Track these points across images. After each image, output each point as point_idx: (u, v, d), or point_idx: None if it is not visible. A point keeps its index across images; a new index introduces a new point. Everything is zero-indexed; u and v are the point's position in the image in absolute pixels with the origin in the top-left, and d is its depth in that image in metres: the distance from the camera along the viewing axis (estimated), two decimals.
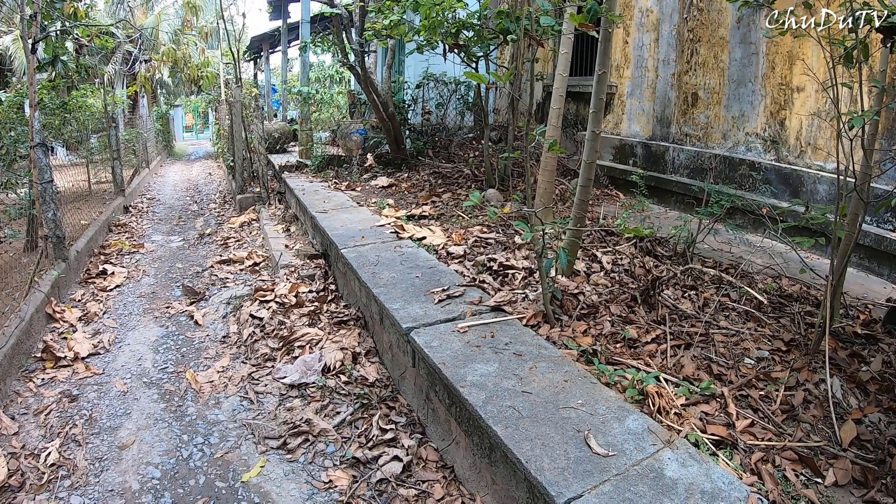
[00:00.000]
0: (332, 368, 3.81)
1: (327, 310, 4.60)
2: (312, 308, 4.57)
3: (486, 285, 3.84)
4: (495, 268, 4.14)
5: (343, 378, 3.74)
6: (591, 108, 3.91)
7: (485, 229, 5.24)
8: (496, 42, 6.08)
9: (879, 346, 3.48)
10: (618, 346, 3.27)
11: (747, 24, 6.55)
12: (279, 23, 15.13)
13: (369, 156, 8.84)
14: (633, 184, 7.50)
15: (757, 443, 2.49)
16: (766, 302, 3.93)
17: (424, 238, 4.94)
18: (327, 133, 12.00)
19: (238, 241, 7.25)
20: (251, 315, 4.62)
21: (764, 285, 4.50)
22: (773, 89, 6.45)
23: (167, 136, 21.92)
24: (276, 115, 16.51)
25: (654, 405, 2.66)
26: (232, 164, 10.19)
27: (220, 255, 6.57)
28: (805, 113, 6.25)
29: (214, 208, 9.87)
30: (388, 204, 6.35)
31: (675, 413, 2.65)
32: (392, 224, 5.36)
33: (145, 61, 17.90)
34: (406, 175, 7.95)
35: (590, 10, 3.09)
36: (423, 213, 5.83)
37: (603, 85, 3.83)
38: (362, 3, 7.20)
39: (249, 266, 6.03)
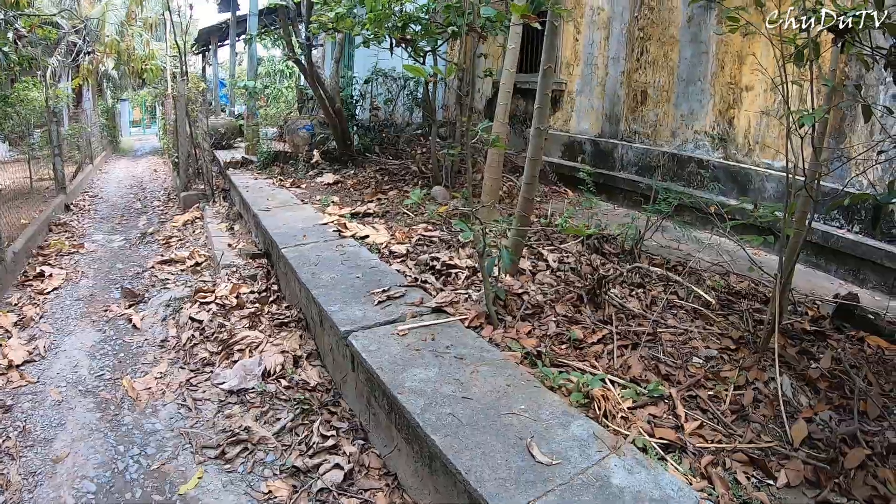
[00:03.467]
0: (272, 373, 3.65)
1: (268, 311, 4.42)
2: (253, 310, 4.39)
3: (428, 286, 3.73)
4: (438, 267, 4.03)
5: (284, 383, 3.58)
6: (535, 103, 3.83)
7: (429, 227, 5.13)
8: (444, 37, 5.97)
9: (828, 343, 3.51)
10: (563, 347, 3.19)
11: (698, 24, 6.59)
12: (228, 15, 14.71)
13: (316, 152, 8.62)
14: (582, 181, 7.49)
15: (706, 445, 2.43)
16: (713, 300, 3.92)
17: (367, 237, 4.80)
18: (275, 129, 11.70)
19: (181, 240, 6.98)
20: (191, 318, 4.41)
21: (712, 283, 4.50)
22: (722, 88, 6.51)
23: (113, 131, 21.15)
24: (223, 110, 16.07)
25: (599, 409, 2.58)
26: (177, 160, 9.86)
27: (162, 255, 6.30)
28: (754, 111, 6.32)
29: (158, 206, 9.51)
30: (332, 201, 6.18)
31: (622, 417, 2.58)
32: (335, 222, 5.20)
33: (88, 53, 17.13)
34: (352, 172, 7.77)
35: (533, 2, 3.00)
36: (368, 211, 5.68)
37: (548, 80, 3.75)
38: None
39: (191, 266, 5.79)
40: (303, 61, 7.55)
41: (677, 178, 6.85)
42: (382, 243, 4.64)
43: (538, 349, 3.09)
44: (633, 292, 3.99)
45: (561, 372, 2.87)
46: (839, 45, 3.11)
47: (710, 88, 6.60)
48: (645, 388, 2.78)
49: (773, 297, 3.22)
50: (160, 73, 15.99)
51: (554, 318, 3.44)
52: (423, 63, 6.50)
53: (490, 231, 4.16)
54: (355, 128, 9.09)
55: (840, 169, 5.77)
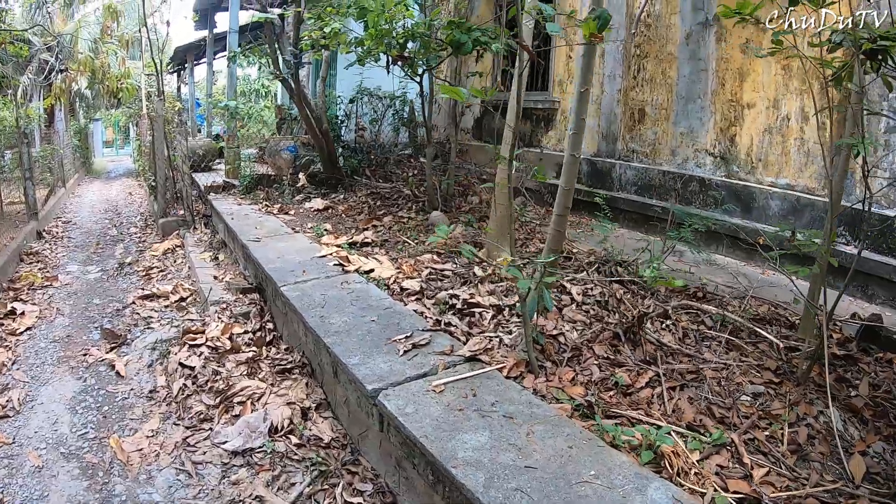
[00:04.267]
0: (279, 428, 3.19)
1: (267, 355, 3.95)
2: (250, 354, 3.91)
3: (453, 329, 3.30)
4: (459, 306, 3.61)
5: (294, 440, 3.13)
6: (570, 129, 3.48)
7: (436, 258, 4.71)
8: (443, 55, 5.59)
9: (860, 367, 3.32)
10: (611, 394, 2.84)
11: (696, 41, 6.35)
12: (205, 33, 14.12)
13: (301, 175, 8.14)
14: (579, 201, 7.21)
15: (779, 493, 2.25)
16: (746, 326, 3.63)
17: (372, 270, 4.34)
18: (254, 150, 11.18)
19: (162, 271, 6.43)
20: (181, 364, 3.91)
21: (733, 307, 4.23)
22: (723, 106, 6.27)
23: (86, 153, 20.25)
24: (199, 131, 15.45)
25: (672, 467, 2.28)
26: (154, 183, 9.28)
27: (143, 289, 5.76)
28: (756, 130, 6.10)
29: (135, 233, 8.90)
30: (325, 230, 5.72)
31: (695, 473, 2.29)
32: (334, 254, 4.73)
33: (61, 71, 16.29)
34: (342, 196, 7.31)
35: (599, 18, 2.64)
36: (366, 240, 5.23)
37: (584, 104, 3.42)
38: (298, 10, 6.52)
39: (175, 301, 5.27)
40: (289, 80, 7.11)
41: (679, 197, 6.57)
42: (389, 277, 4.21)
43: (587, 398, 2.74)
44: (665, 325, 3.67)
45: (617, 424, 2.55)
46: (876, 69, 2.94)
47: (711, 106, 6.35)
48: (708, 436, 2.52)
49: (803, 324, 2.96)
50: (136, 93, 15.27)
51: (595, 361, 3.07)
52: (420, 83, 6.12)
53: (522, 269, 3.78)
54: (341, 149, 8.65)
55: (848, 186, 5.60)
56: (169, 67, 16.81)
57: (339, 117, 9.24)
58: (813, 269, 3.31)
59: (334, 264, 4.50)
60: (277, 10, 7.36)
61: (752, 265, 5.91)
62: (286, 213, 6.59)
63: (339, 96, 9.49)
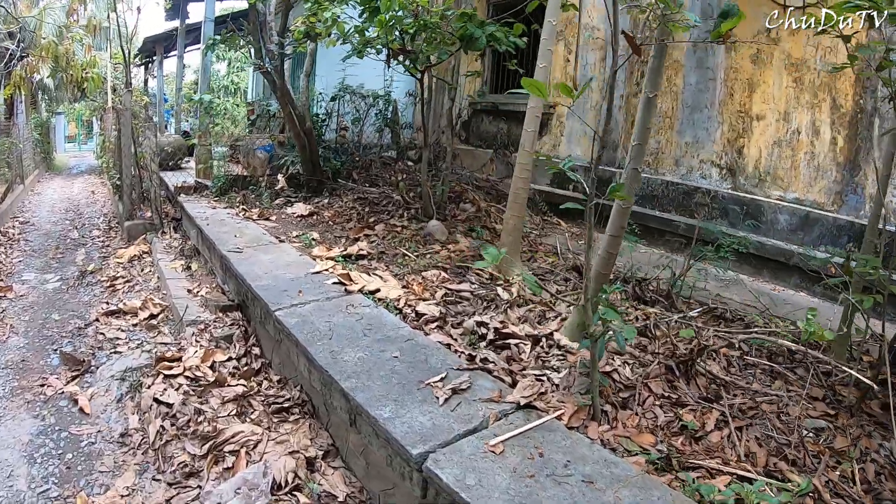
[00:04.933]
0: (283, 484, 2.61)
1: (258, 390, 3.35)
2: (239, 389, 3.29)
3: (491, 366, 2.76)
4: (491, 336, 3.09)
5: (303, 499, 2.55)
6: (633, 139, 3.01)
7: (445, 275, 4.17)
8: (452, 50, 5.03)
9: None
10: (681, 440, 2.45)
11: (704, 49, 5.96)
12: (176, 23, 13.12)
13: (280, 177, 7.45)
14: (576, 211, 6.76)
15: None
16: (789, 350, 3.30)
17: (378, 290, 3.75)
18: (224, 148, 10.41)
19: (128, 281, 5.71)
20: (156, 399, 3.27)
21: (763, 328, 3.90)
22: (731, 116, 5.90)
23: (47, 148, 18.88)
24: (166, 127, 14.48)
25: None
26: (119, 182, 8.48)
27: (108, 303, 5.06)
28: (765, 142, 5.76)
29: (98, 236, 8.07)
30: (314, 239, 5.10)
31: None
32: (331, 270, 4.12)
33: (22, 57, 14.98)
34: (326, 201, 6.68)
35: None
36: (361, 253, 4.64)
37: (650, 111, 2.96)
38: None
39: (145, 319, 4.59)
40: (273, 73, 6.45)
41: (682, 208, 6.19)
42: (398, 298, 3.64)
43: (659, 447, 2.33)
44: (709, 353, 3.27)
45: (699, 477, 2.21)
46: None
47: (719, 116, 5.98)
48: (795, 486, 2.25)
49: (836, 348, 2.99)
50: (101, 84, 14.16)
51: (655, 402, 2.64)
52: (421, 79, 5.54)
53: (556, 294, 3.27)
54: (322, 150, 8.01)
55: (855, 201, 5.33)
56: (137, 59, 15.74)
57: (321, 116, 8.61)
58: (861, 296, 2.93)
59: (334, 282, 3.89)
60: None
61: (762, 281, 5.57)
62: (267, 220, 5.94)
63: (320, 93, 8.85)
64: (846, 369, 2.70)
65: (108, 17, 11.66)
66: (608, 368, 2.75)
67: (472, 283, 3.97)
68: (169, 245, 6.68)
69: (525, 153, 4.28)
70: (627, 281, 4.40)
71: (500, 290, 3.75)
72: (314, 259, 4.46)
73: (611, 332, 2.32)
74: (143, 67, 18.43)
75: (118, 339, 4.30)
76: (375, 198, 6.45)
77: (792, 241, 5.46)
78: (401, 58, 5.01)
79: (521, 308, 3.50)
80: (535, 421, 2.28)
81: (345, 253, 4.62)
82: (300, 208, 6.20)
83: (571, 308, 3.41)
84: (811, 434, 2.67)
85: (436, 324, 3.29)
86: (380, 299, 3.66)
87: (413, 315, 3.43)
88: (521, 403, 2.36)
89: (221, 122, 12.76)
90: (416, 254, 4.74)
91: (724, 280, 5.21)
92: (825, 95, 5.45)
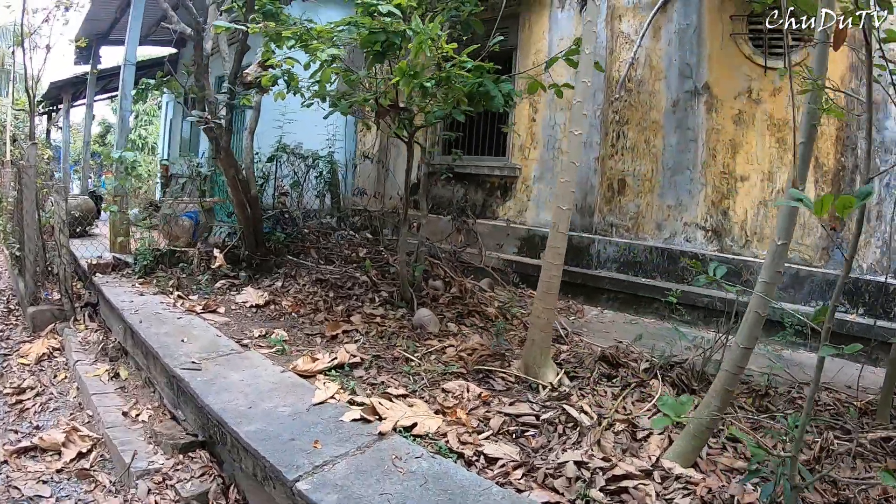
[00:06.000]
0: None
1: None
2: None
3: None
4: (601, 481, 2.23)
5: None
6: (777, 237, 2.37)
7: (474, 385, 3.27)
8: (468, 108, 4.11)
9: None
10: None
11: (685, 109, 5.51)
12: (86, 68, 11.40)
13: (218, 253, 6.18)
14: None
15: None
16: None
17: (415, 426, 2.76)
18: (136, 210, 8.96)
19: (39, 394, 4.34)
20: None
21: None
22: (714, 178, 5.45)
23: None
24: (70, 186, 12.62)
25: None
26: (18, 253, 6.95)
27: (16, 431, 3.73)
28: (751, 202, 5.36)
29: None
30: (284, 342, 4.02)
31: None
32: (338, 398, 3.05)
33: None
34: (279, 285, 5.52)
35: None
36: (354, 360, 3.65)
37: (791, 219, 2.25)
38: (246, 28, 4.51)
39: (73, 461, 3.34)
40: (214, 131, 5.35)
41: (668, 274, 5.64)
42: (442, 434, 2.65)
43: None
44: None
45: None
46: None
47: (702, 178, 5.52)
48: None
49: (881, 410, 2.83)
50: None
51: None
52: (410, 144, 4.57)
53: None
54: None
55: (840, 255, 5.08)
56: (41, 106, 13.77)
57: (258, 179, 7.52)
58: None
59: (354, 419, 2.80)
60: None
61: (764, 342, 5.15)
62: (214, 312, 4.78)
63: (256, 153, 7.78)
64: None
65: (13, 53, 9.92)
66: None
67: (529, 402, 3.10)
68: (85, 340, 5.33)
69: (559, 235, 3.50)
70: (669, 367, 3.72)
71: (570, 409, 2.92)
72: (304, 377, 3.40)
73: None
74: (46, 116, 16.30)
75: (40, 496, 3.04)
76: (337, 278, 5.44)
77: (784, 300, 5.12)
78: (389, 117, 4.12)
79: (608, 430, 2.70)
80: None
81: (335, 363, 3.60)
82: (251, 295, 5.07)
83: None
84: None
85: (520, 471, 2.37)
86: (418, 436, 2.68)
87: (482, 461, 2.48)
88: None
89: (128, 181, 11.17)
90: (417, 355, 3.80)
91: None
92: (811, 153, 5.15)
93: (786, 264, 5.32)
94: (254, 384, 3.28)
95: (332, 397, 3.01)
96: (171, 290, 5.44)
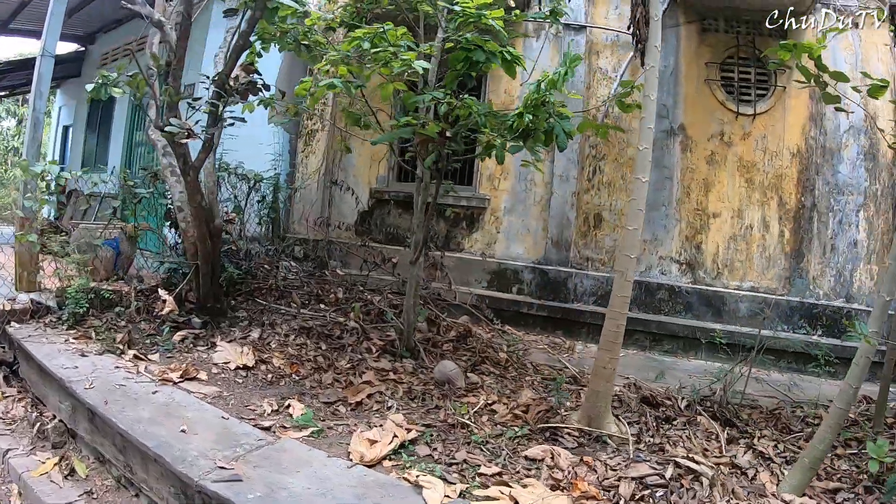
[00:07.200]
0: None
1: None
2: None
3: None
4: None
5: None
6: (890, 267, 2.24)
7: (563, 451, 2.85)
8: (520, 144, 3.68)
9: None
10: None
11: (661, 148, 5.50)
12: None
13: (167, 296, 5.08)
14: (525, 315, 5.82)
15: None
16: None
17: None
18: (8, 228, 7.41)
19: None
20: None
21: None
22: (688, 214, 5.52)
23: None
24: None
25: None
26: None
27: None
28: (722, 237, 5.53)
29: None
30: (318, 420, 3.25)
31: None
32: (451, 497, 2.38)
33: None
34: (257, 335, 4.52)
35: None
36: (410, 437, 2.99)
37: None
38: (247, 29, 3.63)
39: None
40: (178, 151, 4.36)
41: (646, 306, 5.61)
42: None
43: None
44: None
45: None
46: None
47: (676, 214, 5.56)
48: None
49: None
50: None
51: None
52: (436, 171, 3.96)
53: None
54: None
55: (801, 283, 5.54)
56: None
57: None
58: None
59: None
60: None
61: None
62: (194, 379, 3.85)
63: None
64: None
65: None
66: None
67: (652, 466, 2.75)
68: (6, 414, 4.14)
69: (626, 284, 3.20)
70: (710, 403, 3.63)
71: (688, 463, 2.65)
72: (369, 467, 2.71)
73: None
74: None
75: None
76: (320, 326, 4.73)
77: (754, 326, 5.32)
78: (428, 147, 3.57)
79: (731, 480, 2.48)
80: None
81: (397, 442, 2.95)
82: (230, 353, 4.19)
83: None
84: None
85: None
86: None
87: None
88: None
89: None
90: (472, 420, 3.28)
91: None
92: (773, 194, 5.44)
93: (753, 294, 5.52)
94: (329, 492, 2.49)
95: (446, 496, 2.40)
96: (120, 346, 4.35)
